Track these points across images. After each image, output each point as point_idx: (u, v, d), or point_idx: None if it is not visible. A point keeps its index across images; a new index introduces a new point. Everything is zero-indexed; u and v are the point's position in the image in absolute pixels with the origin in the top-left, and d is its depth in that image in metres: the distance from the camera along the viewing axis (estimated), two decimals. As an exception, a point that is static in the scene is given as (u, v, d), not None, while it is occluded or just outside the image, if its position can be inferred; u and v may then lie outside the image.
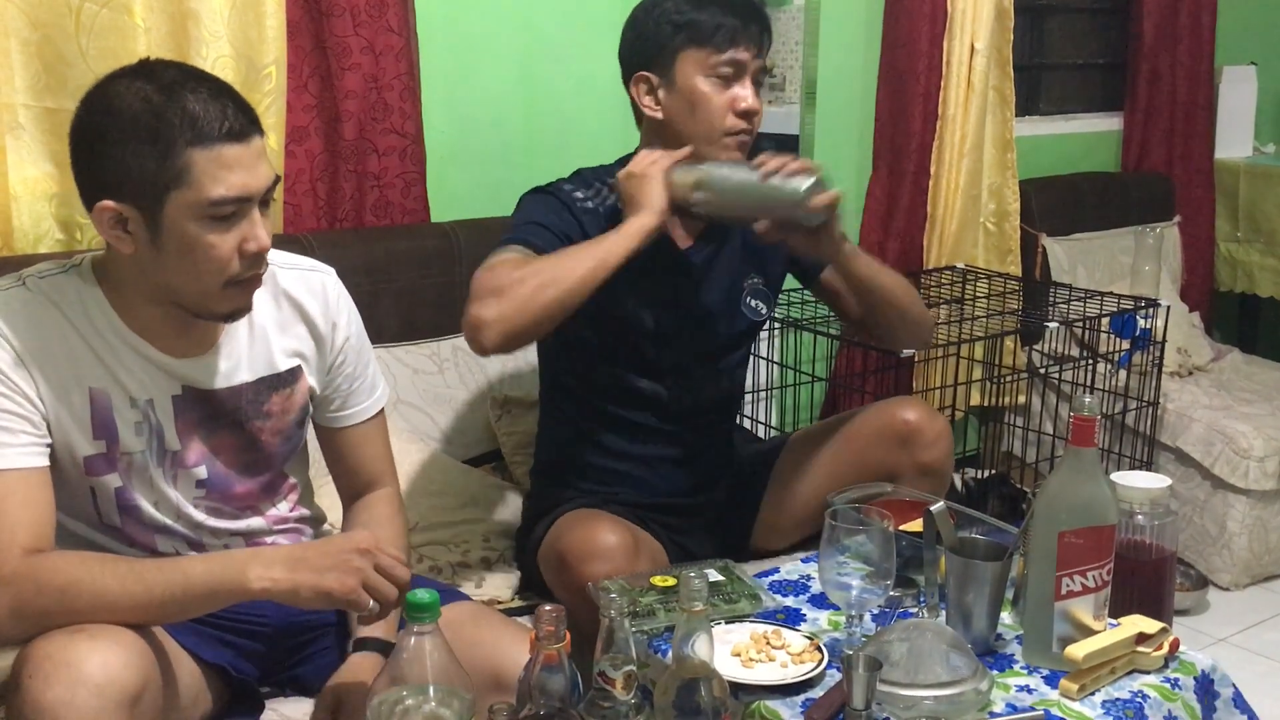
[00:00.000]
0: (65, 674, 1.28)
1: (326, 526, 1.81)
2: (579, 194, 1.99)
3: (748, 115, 1.95)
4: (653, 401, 2.07)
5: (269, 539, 1.66)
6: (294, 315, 1.64)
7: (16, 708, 1.29)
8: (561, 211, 1.95)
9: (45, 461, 1.46)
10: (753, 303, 2.13)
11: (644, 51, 1.99)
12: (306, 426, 1.70)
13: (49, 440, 1.47)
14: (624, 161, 2.02)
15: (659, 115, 1.98)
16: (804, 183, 1.83)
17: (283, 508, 1.69)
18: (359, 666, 1.53)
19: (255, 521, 1.65)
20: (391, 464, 1.78)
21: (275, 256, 1.60)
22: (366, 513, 1.72)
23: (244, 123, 1.43)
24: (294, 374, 1.65)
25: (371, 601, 1.40)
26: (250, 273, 1.48)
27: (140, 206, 1.41)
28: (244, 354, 1.60)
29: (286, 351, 1.64)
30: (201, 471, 1.59)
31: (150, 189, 1.40)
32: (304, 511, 1.73)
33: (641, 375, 2.05)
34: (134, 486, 1.54)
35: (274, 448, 1.64)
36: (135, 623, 1.38)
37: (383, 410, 1.77)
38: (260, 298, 1.58)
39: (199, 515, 1.59)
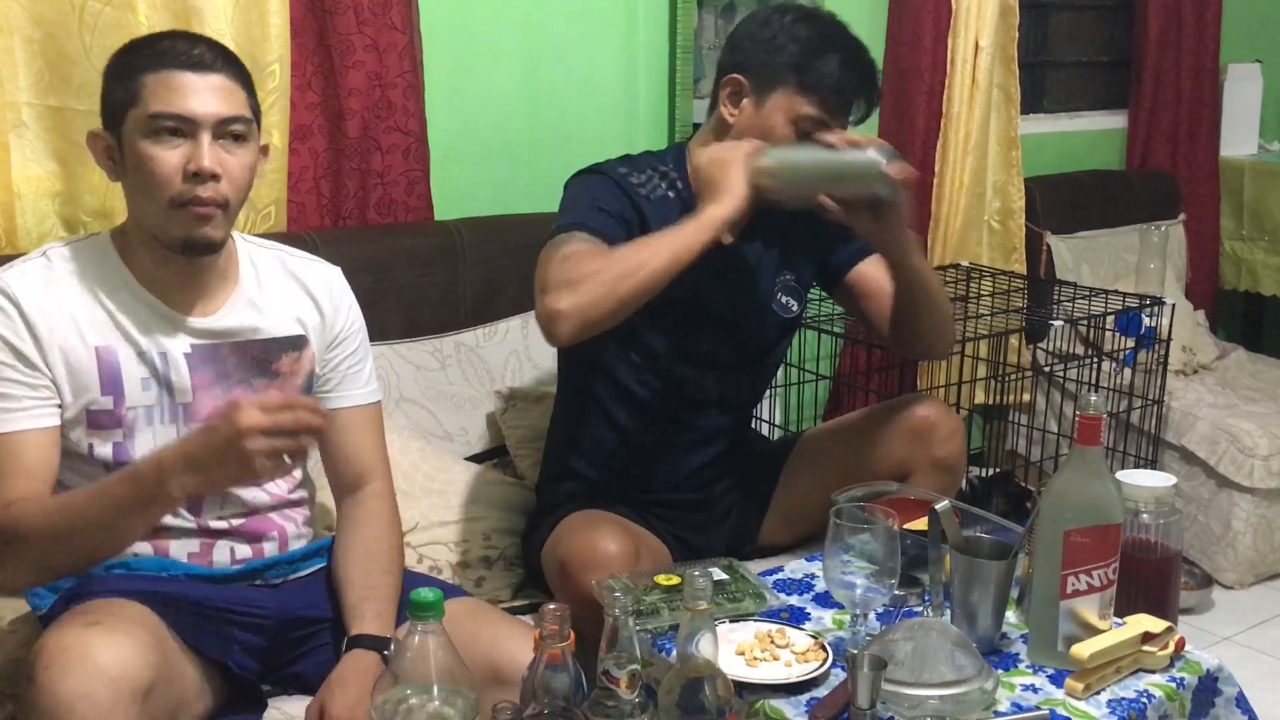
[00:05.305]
0: (80, 667, 1.29)
1: (320, 500, 1.83)
2: (634, 179, 1.97)
3: None
4: (679, 388, 2.05)
5: (270, 514, 1.68)
6: (301, 291, 1.74)
7: (31, 700, 1.30)
8: (618, 194, 1.93)
9: (53, 422, 1.53)
10: (784, 299, 2.12)
11: (754, 58, 1.95)
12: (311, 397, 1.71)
13: (57, 401, 1.54)
14: (676, 150, 2.04)
15: (731, 121, 1.97)
16: (879, 154, 1.81)
17: (283, 487, 1.71)
18: (353, 667, 1.54)
19: (259, 496, 1.66)
20: (385, 461, 1.79)
21: (286, 249, 1.76)
22: (360, 509, 1.73)
23: (211, 58, 1.54)
24: (301, 341, 1.71)
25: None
26: (193, 193, 1.53)
27: (113, 131, 1.56)
28: (254, 314, 1.67)
29: (294, 318, 1.71)
30: None
31: (117, 112, 1.54)
32: (303, 494, 1.76)
33: (674, 359, 2.03)
34: (137, 442, 1.58)
35: None
36: (85, 555, 1.47)
37: (378, 407, 1.80)
38: (270, 271, 1.71)
39: None
